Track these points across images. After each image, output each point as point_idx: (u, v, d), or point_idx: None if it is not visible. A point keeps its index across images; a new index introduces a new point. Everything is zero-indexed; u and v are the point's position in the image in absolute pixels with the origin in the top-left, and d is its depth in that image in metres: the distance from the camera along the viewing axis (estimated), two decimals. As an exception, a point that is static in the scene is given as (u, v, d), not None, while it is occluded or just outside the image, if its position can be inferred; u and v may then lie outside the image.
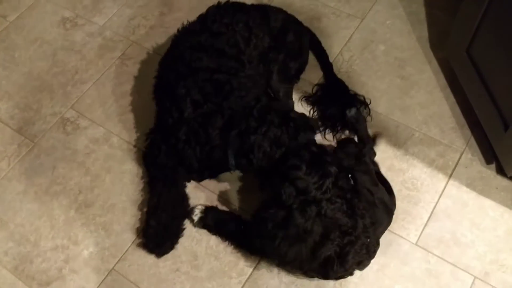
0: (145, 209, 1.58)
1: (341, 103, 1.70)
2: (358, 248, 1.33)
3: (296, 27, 1.81)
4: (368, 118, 1.71)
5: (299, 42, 1.78)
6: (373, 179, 1.48)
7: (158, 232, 1.52)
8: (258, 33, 1.65)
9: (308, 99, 1.78)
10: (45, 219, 1.62)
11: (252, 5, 1.80)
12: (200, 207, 1.57)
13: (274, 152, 1.43)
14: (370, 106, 1.74)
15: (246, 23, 1.65)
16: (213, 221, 1.54)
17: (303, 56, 1.81)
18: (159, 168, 1.58)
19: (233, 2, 1.77)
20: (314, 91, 1.79)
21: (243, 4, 1.78)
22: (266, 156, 1.43)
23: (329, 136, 1.70)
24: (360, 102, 1.72)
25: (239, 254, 1.51)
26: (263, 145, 1.43)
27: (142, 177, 1.67)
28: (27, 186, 1.69)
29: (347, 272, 1.37)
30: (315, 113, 1.74)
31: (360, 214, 1.36)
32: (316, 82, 1.83)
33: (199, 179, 1.64)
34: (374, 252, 1.39)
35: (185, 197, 1.60)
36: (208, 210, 1.56)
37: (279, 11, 1.81)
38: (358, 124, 1.62)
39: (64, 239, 1.58)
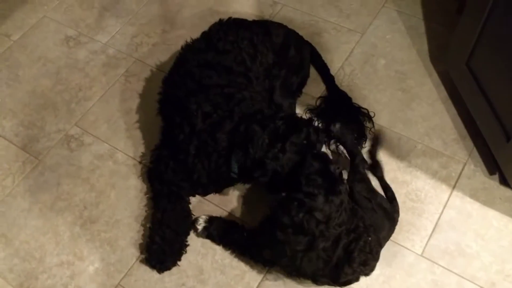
0: (149, 225, 1.59)
1: (345, 115, 1.72)
2: (362, 246, 1.34)
3: (297, 41, 1.84)
4: (372, 131, 1.74)
5: (300, 56, 1.81)
6: (369, 187, 1.50)
7: (161, 248, 1.52)
8: (263, 50, 1.68)
9: (312, 111, 1.80)
10: (50, 236, 1.62)
11: (254, 21, 1.83)
12: (204, 216, 1.58)
13: (272, 144, 1.42)
14: (372, 119, 1.76)
15: (251, 40, 1.68)
16: (217, 231, 1.55)
17: (304, 70, 1.84)
18: (164, 184, 1.59)
19: (235, 19, 1.80)
20: (317, 104, 1.81)
21: (245, 21, 1.80)
22: (264, 148, 1.42)
23: (333, 147, 1.71)
24: (363, 115, 1.74)
25: (245, 268, 1.51)
26: (262, 135, 1.42)
27: (146, 193, 1.68)
28: (32, 203, 1.69)
29: (354, 275, 1.37)
30: (320, 125, 1.76)
31: (359, 216, 1.39)
32: (318, 95, 1.85)
33: (204, 193, 1.64)
34: (377, 253, 1.41)
35: (189, 214, 1.60)
36: (213, 220, 1.57)
37: (280, 26, 1.84)
38: (344, 138, 1.64)
39: (70, 255, 1.58)
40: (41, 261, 1.57)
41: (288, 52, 1.77)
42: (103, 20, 2.19)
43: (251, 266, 1.51)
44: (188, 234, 1.58)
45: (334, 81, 1.86)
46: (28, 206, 1.69)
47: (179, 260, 1.53)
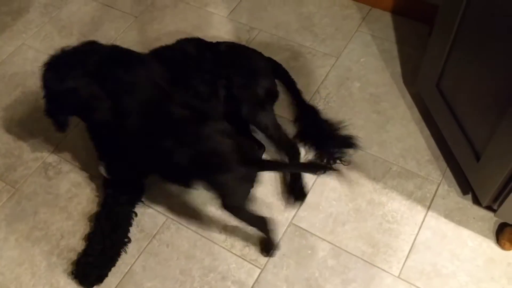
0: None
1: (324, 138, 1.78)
2: None
3: (247, 52, 1.87)
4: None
5: (252, 63, 1.81)
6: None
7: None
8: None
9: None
10: (26, 266, 1.60)
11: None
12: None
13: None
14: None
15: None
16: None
17: (266, 78, 1.81)
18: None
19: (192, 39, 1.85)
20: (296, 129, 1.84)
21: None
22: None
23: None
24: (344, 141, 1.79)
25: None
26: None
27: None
28: (8, 233, 1.68)
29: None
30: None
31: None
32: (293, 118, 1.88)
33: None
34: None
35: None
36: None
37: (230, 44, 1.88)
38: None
39: (46, 285, 1.56)
40: (17, 293, 1.55)
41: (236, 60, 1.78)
42: (82, 47, 2.20)
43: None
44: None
45: (301, 97, 1.88)
46: (3, 236, 1.67)
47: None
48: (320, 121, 1.81)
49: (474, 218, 1.61)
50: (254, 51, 1.90)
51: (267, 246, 1.55)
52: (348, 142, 1.76)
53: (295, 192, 1.67)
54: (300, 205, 1.66)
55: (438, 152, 1.76)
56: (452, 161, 1.71)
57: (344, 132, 1.80)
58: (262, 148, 1.77)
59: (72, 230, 1.67)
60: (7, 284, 1.57)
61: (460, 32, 1.48)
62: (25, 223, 1.69)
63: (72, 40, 2.23)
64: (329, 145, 1.75)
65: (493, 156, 1.41)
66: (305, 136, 1.79)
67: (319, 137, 1.77)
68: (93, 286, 1.53)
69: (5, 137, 1.93)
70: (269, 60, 1.92)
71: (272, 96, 1.81)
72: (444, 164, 1.73)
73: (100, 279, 1.54)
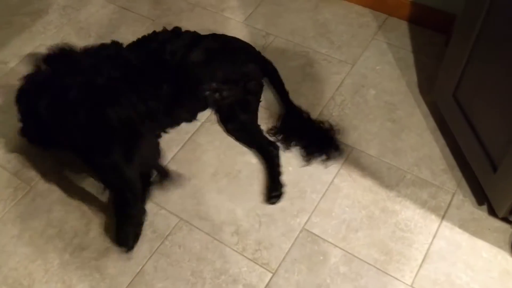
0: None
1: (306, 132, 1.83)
2: None
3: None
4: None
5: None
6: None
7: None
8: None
9: (272, 131, 1.86)
10: (39, 263, 1.61)
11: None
12: None
13: None
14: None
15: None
16: None
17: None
18: None
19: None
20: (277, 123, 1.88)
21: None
22: None
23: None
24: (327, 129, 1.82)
25: None
26: None
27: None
28: (22, 229, 1.69)
29: None
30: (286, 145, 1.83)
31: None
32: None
33: None
34: None
35: None
36: None
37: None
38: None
39: (58, 283, 1.57)
40: (29, 289, 1.56)
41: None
42: (99, 49, 2.23)
43: None
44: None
45: (288, 97, 1.93)
46: (18, 233, 1.68)
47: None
48: (306, 120, 1.85)
49: (489, 229, 1.60)
50: (238, 39, 2.04)
51: None
52: (335, 145, 1.79)
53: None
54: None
55: (453, 162, 1.75)
56: (467, 171, 1.70)
57: (331, 134, 1.83)
58: (277, 148, 1.79)
59: (85, 228, 1.68)
60: (20, 279, 1.58)
61: (479, 41, 1.47)
62: (39, 221, 1.70)
63: (90, 42, 2.26)
64: (315, 144, 1.80)
65: (511, 167, 1.40)
66: (288, 133, 1.84)
67: (306, 136, 1.82)
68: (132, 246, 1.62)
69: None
70: (258, 54, 2.01)
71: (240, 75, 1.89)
72: (459, 174, 1.72)
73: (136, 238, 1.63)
